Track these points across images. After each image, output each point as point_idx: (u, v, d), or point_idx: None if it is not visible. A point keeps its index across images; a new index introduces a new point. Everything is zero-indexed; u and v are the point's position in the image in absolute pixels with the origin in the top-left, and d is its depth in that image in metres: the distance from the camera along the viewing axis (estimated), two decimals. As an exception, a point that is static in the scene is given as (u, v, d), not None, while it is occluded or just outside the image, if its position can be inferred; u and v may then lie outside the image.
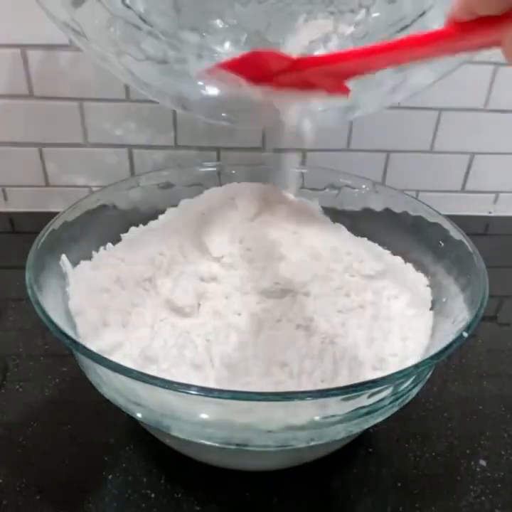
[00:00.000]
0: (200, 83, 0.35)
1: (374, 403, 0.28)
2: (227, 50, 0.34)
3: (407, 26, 0.31)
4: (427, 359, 0.28)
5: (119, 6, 0.31)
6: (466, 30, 0.21)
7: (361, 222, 0.46)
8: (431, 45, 0.23)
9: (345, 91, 0.28)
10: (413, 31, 0.31)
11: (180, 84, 0.36)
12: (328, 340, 0.33)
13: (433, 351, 0.29)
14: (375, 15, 0.32)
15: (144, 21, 0.32)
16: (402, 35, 0.30)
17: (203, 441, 0.28)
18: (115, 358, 0.30)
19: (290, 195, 0.45)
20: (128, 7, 0.31)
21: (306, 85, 0.29)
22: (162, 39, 0.33)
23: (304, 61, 0.28)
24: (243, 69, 0.30)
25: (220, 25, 0.33)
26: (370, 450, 0.37)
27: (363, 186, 0.48)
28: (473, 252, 0.36)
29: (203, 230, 0.40)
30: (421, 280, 0.41)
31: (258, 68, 0.29)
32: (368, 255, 0.40)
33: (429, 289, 0.40)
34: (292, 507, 0.33)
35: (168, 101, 0.37)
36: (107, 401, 0.30)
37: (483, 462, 0.36)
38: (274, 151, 0.63)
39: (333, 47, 0.33)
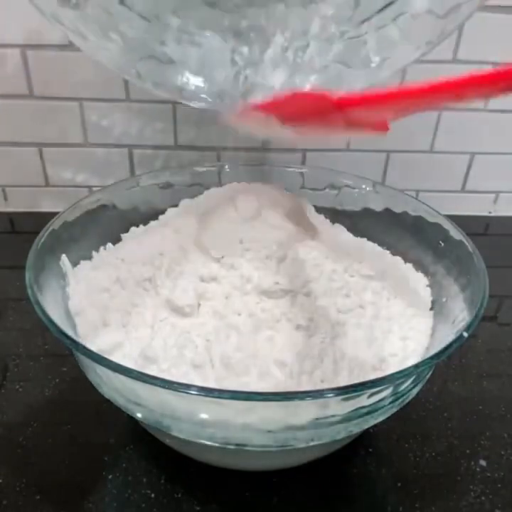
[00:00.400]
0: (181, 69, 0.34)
1: (374, 403, 0.28)
2: (208, 33, 0.33)
3: (391, 3, 0.30)
4: (427, 359, 0.28)
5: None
6: None
7: (361, 222, 0.46)
8: (494, 84, 0.19)
9: (387, 129, 0.25)
10: (397, 9, 0.30)
11: (164, 69, 0.35)
12: (328, 340, 0.33)
13: (433, 351, 0.29)
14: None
15: (122, 2, 0.31)
16: (384, 15, 0.29)
17: (203, 441, 0.28)
18: (115, 358, 0.30)
19: (290, 195, 0.45)
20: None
21: (348, 124, 0.26)
22: (141, 21, 0.31)
23: (347, 101, 0.25)
24: (277, 110, 0.28)
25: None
26: (370, 450, 0.37)
27: (363, 186, 0.48)
28: (473, 252, 0.36)
29: (203, 230, 0.40)
30: (421, 280, 0.41)
31: (294, 109, 0.27)
32: (367, 255, 0.40)
33: (429, 289, 0.40)
34: (292, 507, 0.33)
35: (149, 84, 0.36)
36: (107, 401, 0.30)
37: (483, 462, 0.36)
38: (274, 151, 0.63)
39: (315, 29, 0.32)
